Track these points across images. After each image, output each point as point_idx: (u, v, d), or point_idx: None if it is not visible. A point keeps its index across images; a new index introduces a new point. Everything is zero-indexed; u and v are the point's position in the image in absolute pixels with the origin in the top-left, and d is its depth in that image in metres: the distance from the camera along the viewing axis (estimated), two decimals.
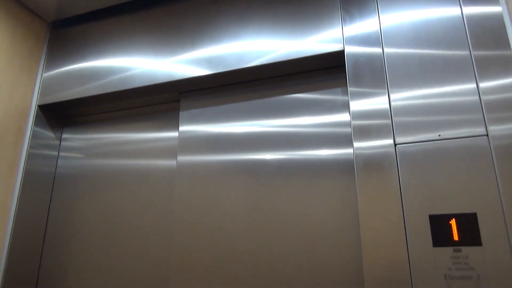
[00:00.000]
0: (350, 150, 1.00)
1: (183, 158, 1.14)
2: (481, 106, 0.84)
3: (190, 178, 1.12)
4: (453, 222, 0.80)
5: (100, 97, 1.25)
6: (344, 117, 1.04)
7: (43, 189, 1.29)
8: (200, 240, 1.05)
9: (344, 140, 1.02)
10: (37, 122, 1.30)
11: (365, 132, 0.91)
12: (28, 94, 1.30)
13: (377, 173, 0.87)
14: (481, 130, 0.83)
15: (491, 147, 0.81)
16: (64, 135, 1.39)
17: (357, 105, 0.94)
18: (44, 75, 1.34)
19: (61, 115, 1.39)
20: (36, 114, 1.29)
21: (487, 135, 0.82)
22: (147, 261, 1.13)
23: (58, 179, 1.33)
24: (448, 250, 0.78)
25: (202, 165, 1.12)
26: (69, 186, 1.31)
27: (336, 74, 1.08)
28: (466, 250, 0.77)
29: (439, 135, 0.85)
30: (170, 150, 1.21)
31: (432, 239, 0.80)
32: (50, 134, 1.35)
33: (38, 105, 1.30)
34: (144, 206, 1.18)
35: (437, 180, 0.82)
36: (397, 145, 0.88)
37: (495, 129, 0.81)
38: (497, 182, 0.79)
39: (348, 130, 1.02)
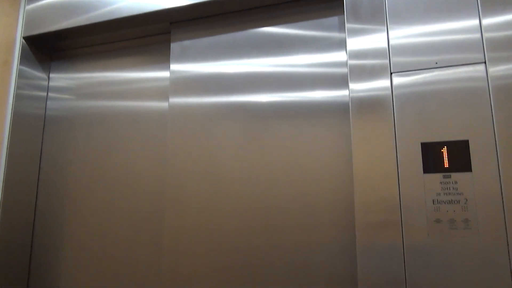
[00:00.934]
0: (345, 92, 0.97)
1: (175, 100, 1.12)
2: (482, 42, 0.81)
3: (182, 120, 1.10)
4: (444, 149, 0.80)
5: (87, 28, 1.20)
6: (340, 56, 1.00)
7: (34, 132, 1.27)
8: (193, 182, 1.06)
9: (340, 80, 0.99)
10: (23, 56, 1.25)
11: (362, 72, 0.88)
12: (12, 24, 1.24)
13: (372, 108, 0.86)
14: (478, 56, 0.80)
15: (488, 76, 0.79)
16: (52, 75, 1.35)
17: (354, 42, 0.90)
18: (27, 7, 1.27)
19: (47, 48, 1.34)
20: (22, 47, 1.25)
21: (485, 63, 0.80)
22: (140, 203, 1.14)
23: (48, 121, 1.31)
24: (438, 177, 0.79)
25: (195, 107, 1.10)
26: (60, 128, 1.29)
27: (333, 9, 1.03)
28: (455, 176, 0.78)
29: (436, 63, 0.83)
30: (162, 91, 1.18)
31: (423, 166, 0.80)
32: (37, 73, 1.31)
33: (23, 37, 1.25)
34: (136, 149, 1.18)
35: (431, 109, 0.82)
36: (393, 74, 0.86)
37: (493, 56, 0.79)
38: (491, 110, 0.78)
39: (344, 70, 0.99)
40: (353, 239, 0.88)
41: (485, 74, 0.79)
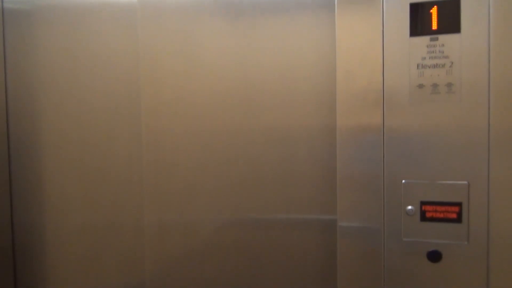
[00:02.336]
0: None
1: None
2: None
3: (156, 17, 0.96)
4: (434, 9, 0.74)
5: None
6: None
7: None
8: (172, 89, 0.96)
9: None
10: None
11: None
12: None
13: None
14: None
15: None
16: None
17: None
18: None
19: None
20: None
21: None
22: (111, 119, 1.03)
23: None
24: (425, 40, 0.74)
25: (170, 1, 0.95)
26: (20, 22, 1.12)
27: None
28: (443, 38, 0.73)
29: None
30: None
31: (410, 29, 0.75)
32: None
33: None
34: (99, 56, 1.04)
35: None
36: None
37: None
38: None
39: None
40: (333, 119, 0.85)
41: None
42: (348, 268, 0.79)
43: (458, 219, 0.72)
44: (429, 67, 0.74)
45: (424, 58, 0.74)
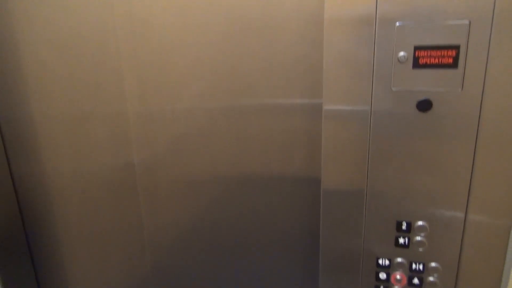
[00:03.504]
0: None
1: None
2: None
3: None
4: None
5: None
6: None
7: None
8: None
9: None
10: None
11: None
12: None
13: None
14: None
15: None
16: None
17: None
18: None
19: None
20: None
21: None
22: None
23: None
24: None
25: None
26: None
27: None
28: None
29: None
30: None
31: None
32: None
33: None
34: None
35: None
36: None
37: None
38: None
39: None
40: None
41: None
42: (331, 151, 0.75)
43: (454, 64, 0.65)
44: None
45: None
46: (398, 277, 0.78)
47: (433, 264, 0.76)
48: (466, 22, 0.63)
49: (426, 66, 0.66)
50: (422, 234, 0.75)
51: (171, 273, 1.04)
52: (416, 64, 0.67)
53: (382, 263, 0.79)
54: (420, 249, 0.76)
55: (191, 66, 0.85)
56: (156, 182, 0.96)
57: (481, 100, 0.66)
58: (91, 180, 0.99)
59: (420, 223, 0.74)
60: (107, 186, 0.99)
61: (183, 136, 0.90)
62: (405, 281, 0.79)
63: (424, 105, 0.67)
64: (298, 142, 0.85)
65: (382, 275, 0.80)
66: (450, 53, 0.65)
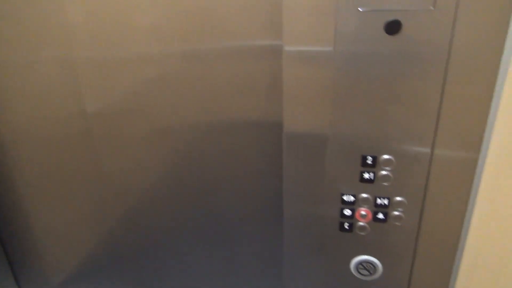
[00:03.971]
0: None
1: None
2: None
3: None
4: None
5: None
6: None
7: None
8: None
9: None
10: None
11: None
12: None
13: None
14: None
15: None
16: None
17: None
18: None
19: None
20: None
21: None
22: None
23: None
24: None
25: None
26: None
27: None
28: None
29: None
30: None
31: None
32: None
33: None
34: None
35: None
36: None
37: None
38: None
39: None
40: None
41: None
42: (293, 91, 0.69)
43: None
44: None
45: None
46: (363, 212, 0.76)
47: (398, 198, 0.74)
48: None
49: None
50: (388, 168, 0.72)
51: (137, 222, 1.00)
52: None
53: (347, 199, 0.76)
54: (386, 184, 0.73)
55: (147, 6, 0.74)
56: (114, 130, 0.88)
57: (454, 20, 0.60)
58: (44, 130, 0.90)
59: (386, 156, 0.71)
60: (61, 136, 0.91)
61: (141, 83, 0.81)
62: (370, 217, 0.77)
63: (393, 27, 0.61)
64: (261, 86, 0.78)
65: (347, 212, 0.78)
66: None
